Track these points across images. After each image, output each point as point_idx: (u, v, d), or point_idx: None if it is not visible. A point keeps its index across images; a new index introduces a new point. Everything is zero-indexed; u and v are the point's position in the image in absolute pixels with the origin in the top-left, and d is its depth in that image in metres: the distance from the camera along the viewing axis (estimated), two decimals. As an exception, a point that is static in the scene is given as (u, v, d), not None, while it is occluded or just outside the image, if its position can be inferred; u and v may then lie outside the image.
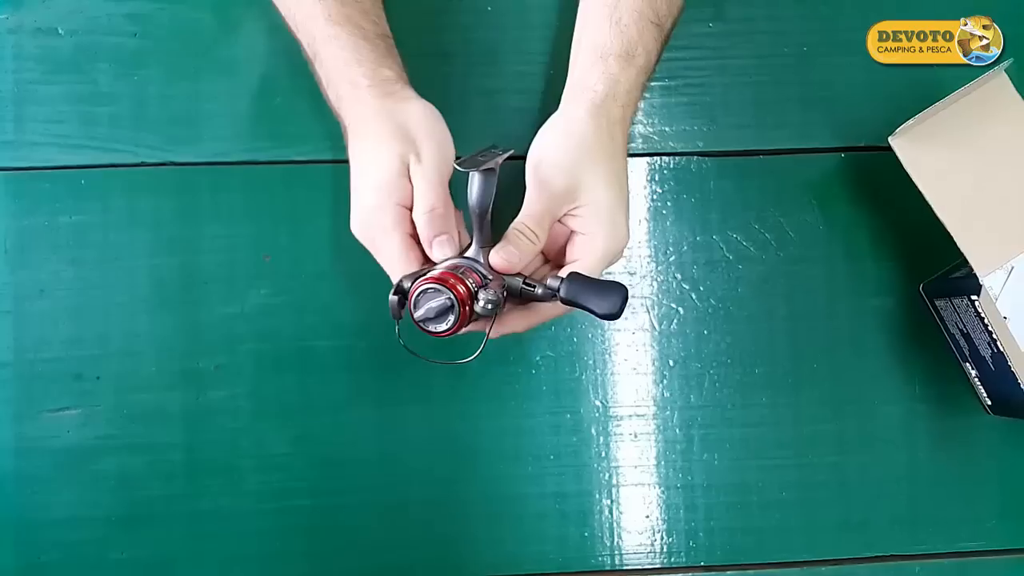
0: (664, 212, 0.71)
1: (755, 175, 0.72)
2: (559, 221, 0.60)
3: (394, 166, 0.58)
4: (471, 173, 0.55)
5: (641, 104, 0.70)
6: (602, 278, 0.56)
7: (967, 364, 0.69)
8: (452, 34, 0.71)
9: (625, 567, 0.69)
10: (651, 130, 0.72)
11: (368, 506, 0.68)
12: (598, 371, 0.70)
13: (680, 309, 0.71)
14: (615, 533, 0.69)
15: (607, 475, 0.69)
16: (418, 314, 0.53)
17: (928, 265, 0.71)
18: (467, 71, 0.71)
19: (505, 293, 0.56)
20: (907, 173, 0.63)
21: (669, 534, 0.69)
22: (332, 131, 0.66)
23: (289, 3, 0.63)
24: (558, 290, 0.55)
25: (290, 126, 0.70)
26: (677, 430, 0.70)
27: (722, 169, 0.72)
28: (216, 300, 0.68)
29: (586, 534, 0.69)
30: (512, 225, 0.58)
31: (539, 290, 0.56)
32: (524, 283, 0.57)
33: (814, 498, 0.70)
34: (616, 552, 0.69)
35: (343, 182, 0.60)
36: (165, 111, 0.69)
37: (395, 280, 0.57)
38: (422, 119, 0.60)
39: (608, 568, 0.69)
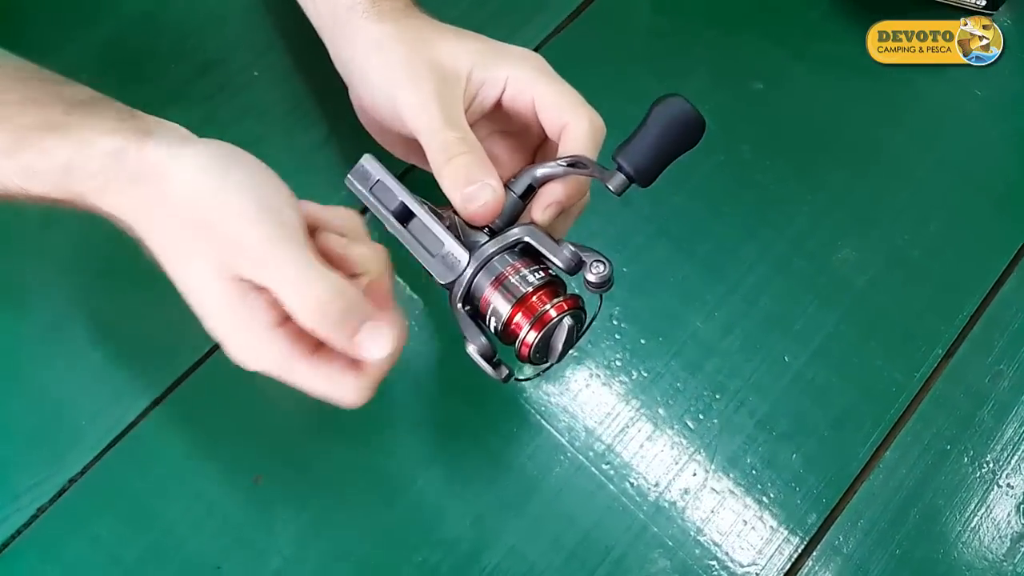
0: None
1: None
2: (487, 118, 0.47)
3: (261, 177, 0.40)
4: None
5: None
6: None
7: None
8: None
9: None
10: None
11: None
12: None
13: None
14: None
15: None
16: (552, 360, 0.43)
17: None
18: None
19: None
20: None
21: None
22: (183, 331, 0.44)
23: None
24: (622, 168, 0.41)
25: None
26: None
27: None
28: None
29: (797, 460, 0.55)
30: (434, 157, 0.42)
31: (543, 171, 0.43)
32: (508, 188, 0.44)
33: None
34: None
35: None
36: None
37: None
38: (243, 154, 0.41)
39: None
